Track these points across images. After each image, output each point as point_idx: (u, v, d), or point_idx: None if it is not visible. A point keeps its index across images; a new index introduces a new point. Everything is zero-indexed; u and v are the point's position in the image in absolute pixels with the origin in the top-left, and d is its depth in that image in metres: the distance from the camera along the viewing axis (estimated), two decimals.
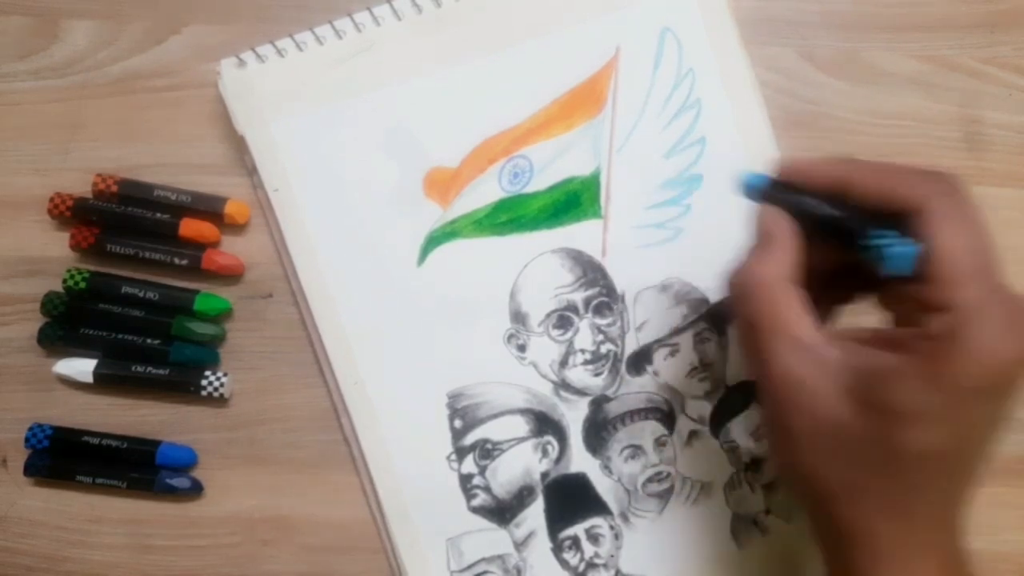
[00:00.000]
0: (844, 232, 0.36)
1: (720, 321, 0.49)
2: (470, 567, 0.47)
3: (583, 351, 0.49)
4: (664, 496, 0.48)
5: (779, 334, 0.36)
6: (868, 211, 0.36)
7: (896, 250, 0.34)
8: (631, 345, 0.49)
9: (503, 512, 0.48)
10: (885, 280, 0.35)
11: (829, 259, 0.38)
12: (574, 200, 0.49)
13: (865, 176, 0.36)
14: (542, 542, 0.48)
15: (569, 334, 0.49)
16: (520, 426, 0.48)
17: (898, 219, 0.35)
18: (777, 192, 0.38)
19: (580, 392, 0.48)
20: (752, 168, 0.39)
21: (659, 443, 0.48)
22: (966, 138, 0.50)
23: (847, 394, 0.34)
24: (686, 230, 0.49)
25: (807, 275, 0.37)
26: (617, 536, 0.48)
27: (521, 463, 0.48)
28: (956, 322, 0.33)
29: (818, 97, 0.50)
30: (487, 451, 0.48)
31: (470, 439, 0.48)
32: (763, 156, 0.49)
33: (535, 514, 0.48)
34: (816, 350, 0.35)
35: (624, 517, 0.48)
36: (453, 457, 0.48)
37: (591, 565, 0.48)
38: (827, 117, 0.50)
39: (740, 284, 0.37)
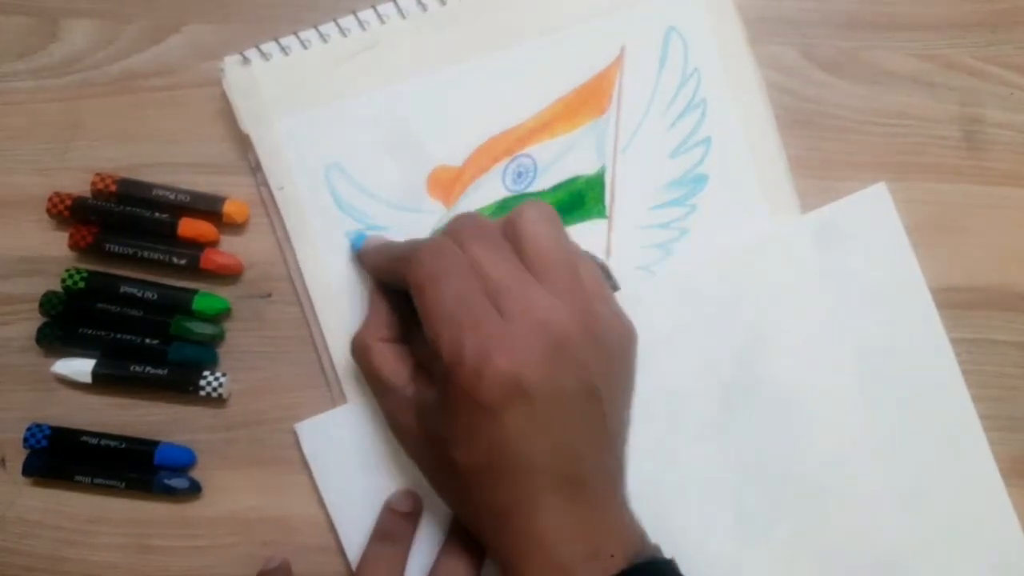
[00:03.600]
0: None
1: None
2: None
3: None
4: None
5: (384, 387, 0.44)
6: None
7: None
8: None
9: None
10: None
11: None
12: (578, 200, 0.48)
13: (379, 264, 0.45)
14: None
15: None
16: None
17: None
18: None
19: None
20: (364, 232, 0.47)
21: None
22: (967, 137, 0.50)
23: (419, 426, 0.42)
24: (691, 230, 0.48)
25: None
26: None
27: None
28: (441, 368, 0.39)
29: (819, 96, 0.50)
30: None
31: None
32: (768, 156, 0.49)
33: None
34: (402, 393, 0.43)
35: None
36: None
37: None
38: (828, 116, 0.50)
39: (352, 349, 0.45)
